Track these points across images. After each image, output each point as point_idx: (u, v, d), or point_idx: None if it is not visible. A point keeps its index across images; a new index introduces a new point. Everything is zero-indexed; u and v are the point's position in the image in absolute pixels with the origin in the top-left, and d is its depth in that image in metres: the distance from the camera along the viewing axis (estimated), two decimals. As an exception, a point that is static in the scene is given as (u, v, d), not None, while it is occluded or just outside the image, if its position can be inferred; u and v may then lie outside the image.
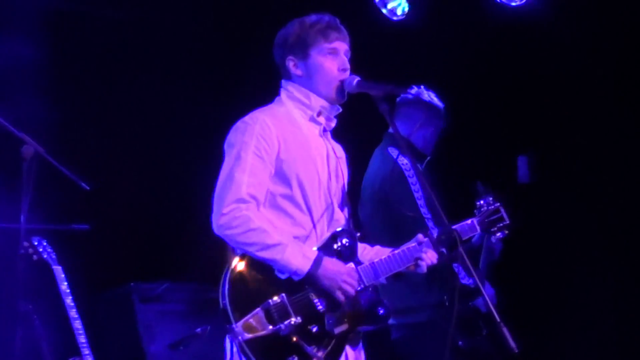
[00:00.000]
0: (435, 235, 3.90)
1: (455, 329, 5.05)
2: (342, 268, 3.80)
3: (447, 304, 4.93)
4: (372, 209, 5.24)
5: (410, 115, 5.43)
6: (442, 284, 4.95)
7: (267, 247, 3.69)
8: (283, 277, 3.74)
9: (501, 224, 4.30)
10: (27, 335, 4.83)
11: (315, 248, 3.85)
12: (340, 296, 3.75)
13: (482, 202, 4.30)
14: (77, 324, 5.29)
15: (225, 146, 3.89)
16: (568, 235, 6.92)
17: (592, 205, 6.89)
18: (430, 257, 3.93)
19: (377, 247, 4.08)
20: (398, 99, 5.46)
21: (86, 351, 5.25)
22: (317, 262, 3.73)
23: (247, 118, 3.90)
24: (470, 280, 5.05)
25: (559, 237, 6.98)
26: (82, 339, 5.27)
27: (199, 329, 5.84)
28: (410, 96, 5.42)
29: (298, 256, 3.71)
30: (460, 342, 5.06)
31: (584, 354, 6.82)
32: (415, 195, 5.09)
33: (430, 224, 4.96)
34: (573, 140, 7.04)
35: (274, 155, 3.83)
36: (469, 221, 4.20)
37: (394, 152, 5.25)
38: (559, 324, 6.96)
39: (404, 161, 5.18)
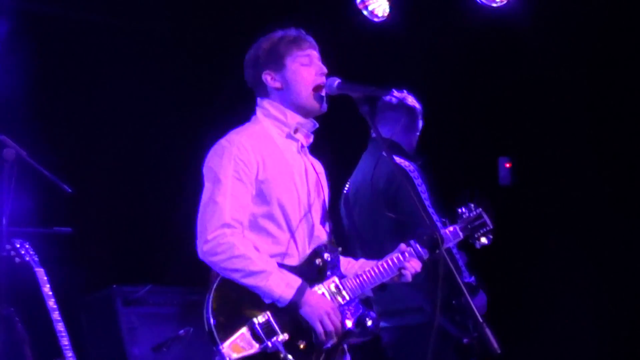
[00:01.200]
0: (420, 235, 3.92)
1: (460, 328, 5.02)
2: (326, 302, 3.76)
3: (454, 302, 4.86)
4: (374, 211, 5.11)
5: (395, 119, 5.38)
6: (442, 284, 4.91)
7: (251, 273, 3.66)
8: (267, 301, 3.70)
9: (484, 230, 4.16)
10: (9, 338, 4.83)
11: (297, 264, 3.82)
12: (319, 328, 3.68)
13: (463, 208, 4.19)
14: (60, 327, 5.26)
15: (204, 170, 3.84)
16: (548, 237, 6.95)
17: (573, 207, 6.92)
18: (414, 265, 3.91)
19: (362, 260, 4.05)
20: (381, 103, 5.42)
21: (69, 354, 5.23)
22: (300, 291, 3.68)
23: (224, 140, 3.85)
24: (472, 278, 5.05)
25: (539, 238, 7.01)
26: (64, 341, 5.25)
27: (181, 331, 5.84)
28: (394, 100, 5.37)
29: (281, 284, 3.67)
30: (465, 340, 5.01)
31: (564, 353, 6.86)
32: (422, 196, 5.04)
33: (439, 224, 4.88)
34: (554, 142, 7.07)
35: (253, 177, 3.79)
36: (451, 228, 4.13)
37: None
38: (539, 325, 7.00)
39: (405, 163, 5.12)
